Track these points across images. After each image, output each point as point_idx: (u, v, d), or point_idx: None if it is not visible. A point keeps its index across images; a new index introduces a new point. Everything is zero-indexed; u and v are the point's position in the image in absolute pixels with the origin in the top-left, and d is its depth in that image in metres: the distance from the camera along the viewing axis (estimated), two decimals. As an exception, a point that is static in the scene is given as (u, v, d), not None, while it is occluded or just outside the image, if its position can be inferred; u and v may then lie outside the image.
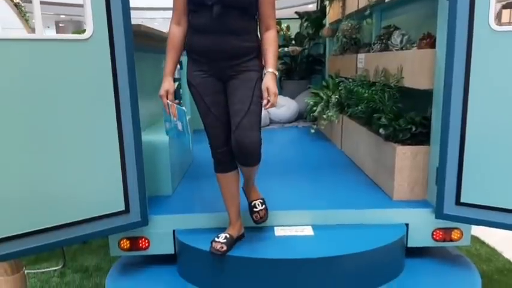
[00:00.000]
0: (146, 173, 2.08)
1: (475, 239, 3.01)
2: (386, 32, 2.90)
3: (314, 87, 4.20)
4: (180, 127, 1.94)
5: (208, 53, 1.84)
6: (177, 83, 1.89)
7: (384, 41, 2.85)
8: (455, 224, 2.10)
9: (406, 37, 2.61)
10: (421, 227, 2.14)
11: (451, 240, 2.15)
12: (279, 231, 2.12)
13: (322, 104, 3.84)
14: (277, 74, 1.85)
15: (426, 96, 2.23)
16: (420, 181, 2.25)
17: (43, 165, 1.78)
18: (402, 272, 2.10)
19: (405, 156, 2.24)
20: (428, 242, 2.15)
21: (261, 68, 1.91)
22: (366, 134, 2.82)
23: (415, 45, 2.46)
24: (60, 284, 2.53)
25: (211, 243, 1.95)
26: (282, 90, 5.81)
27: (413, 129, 2.27)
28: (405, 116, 2.35)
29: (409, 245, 2.15)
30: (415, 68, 2.27)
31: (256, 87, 1.86)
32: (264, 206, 2.10)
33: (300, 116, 5.29)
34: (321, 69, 5.53)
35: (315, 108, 3.88)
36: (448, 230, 2.13)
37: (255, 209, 2.08)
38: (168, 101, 1.90)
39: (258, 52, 1.90)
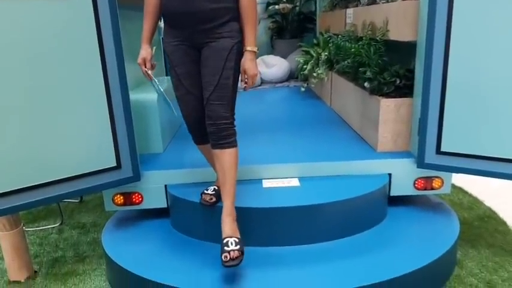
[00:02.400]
0: (137, 132, 2.13)
1: (458, 189, 3.12)
2: (374, -15, 2.87)
3: (305, 45, 4.18)
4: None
5: (178, 15, 1.71)
6: (154, 48, 1.87)
7: (372, -6, 2.84)
8: (436, 172, 2.19)
9: (392, -11, 2.59)
10: (403, 177, 2.22)
11: (432, 189, 2.24)
12: (266, 183, 2.19)
13: (312, 62, 3.84)
14: (256, 51, 1.74)
15: (411, 48, 2.25)
16: (403, 133, 2.31)
17: (35, 123, 1.82)
18: (385, 219, 2.21)
19: (389, 109, 2.29)
20: (410, 191, 2.24)
21: (238, 32, 1.75)
22: (352, 89, 2.86)
23: (401, -3, 2.45)
24: (59, 240, 2.63)
25: (201, 195, 2.03)
26: (273, 50, 5.77)
27: (398, 82, 2.31)
28: (390, 69, 2.38)
29: (392, 193, 2.24)
30: (399, 20, 2.27)
31: (229, 59, 1.72)
32: (238, 246, 1.66)
33: (291, 76, 5.28)
34: (312, 27, 5.46)
35: (305, 66, 3.89)
36: (429, 179, 2.22)
37: (226, 248, 1.65)
38: (146, 69, 1.83)
39: (235, 13, 1.73)
